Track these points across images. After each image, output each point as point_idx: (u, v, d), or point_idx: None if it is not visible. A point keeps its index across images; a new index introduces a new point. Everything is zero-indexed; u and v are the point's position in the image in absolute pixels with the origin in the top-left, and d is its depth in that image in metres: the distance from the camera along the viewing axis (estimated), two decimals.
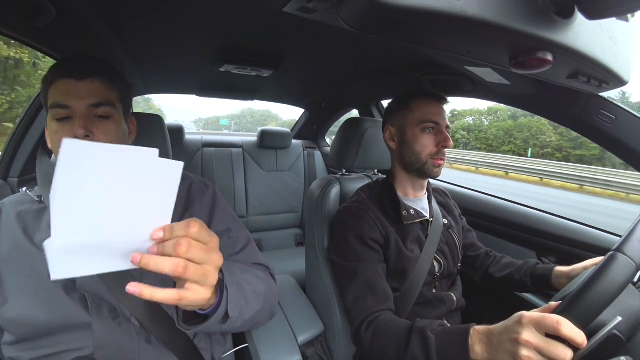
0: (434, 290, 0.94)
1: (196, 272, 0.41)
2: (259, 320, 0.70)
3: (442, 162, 0.91)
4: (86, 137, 0.62)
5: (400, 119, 0.93)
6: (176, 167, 0.39)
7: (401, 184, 0.97)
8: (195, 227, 0.41)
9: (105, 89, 0.66)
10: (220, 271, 0.54)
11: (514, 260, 1.03)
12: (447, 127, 0.91)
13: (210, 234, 0.43)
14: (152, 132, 0.99)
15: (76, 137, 0.61)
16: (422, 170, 0.91)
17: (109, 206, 0.37)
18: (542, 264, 0.96)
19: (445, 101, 0.93)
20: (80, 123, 0.62)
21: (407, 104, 0.92)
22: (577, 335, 0.47)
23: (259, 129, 2.39)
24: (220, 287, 0.52)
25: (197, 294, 0.42)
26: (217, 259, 0.44)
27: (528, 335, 0.50)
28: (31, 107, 1.35)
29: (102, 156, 0.36)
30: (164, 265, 0.39)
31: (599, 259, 0.64)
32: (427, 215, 0.96)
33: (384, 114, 1.01)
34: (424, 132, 0.89)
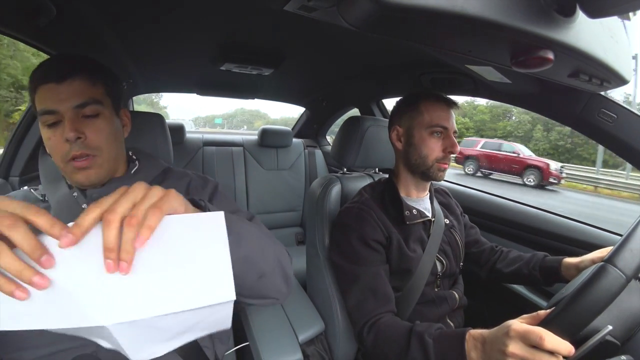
0: (436, 290, 0.94)
1: (143, 206, 0.38)
2: (267, 272, 0.60)
3: (447, 166, 0.91)
4: (78, 138, 0.61)
5: (409, 120, 0.92)
6: (218, 219, 0.39)
7: (404, 184, 0.97)
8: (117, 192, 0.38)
9: (88, 87, 0.64)
10: (202, 200, 0.51)
11: (521, 254, 1.02)
12: (455, 132, 0.90)
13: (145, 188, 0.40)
14: (153, 132, 0.99)
15: (68, 140, 0.61)
16: (426, 173, 0.91)
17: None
18: (549, 255, 0.95)
19: (455, 106, 0.91)
20: (69, 126, 0.61)
21: (416, 106, 0.91)
22: (562, 348, 0.48)
23: (262, 127, 2.39)
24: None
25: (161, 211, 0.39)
26: (176, 196, 0.41)
27: (514, 347, 0.52)
28: (30, 108, 1.35)
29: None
30: (128, 234, 0.36)
31: (607, 250, 0.64)
32: (429, 215, 0.96)
33: (391, 112, 1.00)
34: (432, 136, 0.89)
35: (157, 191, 0.40)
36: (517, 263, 0.99)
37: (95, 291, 0.35)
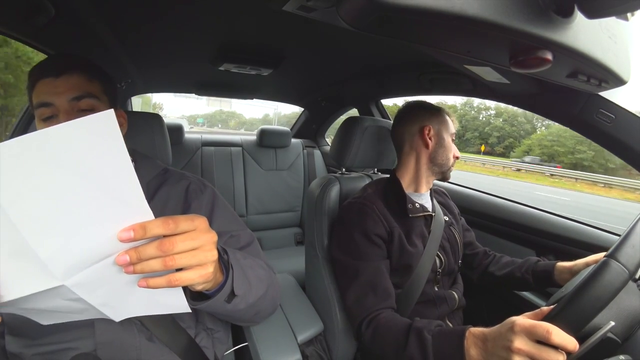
0: (436, 288, 0.94)
1: (186, 258, 0.41)
2: (263, 309, 0.71)
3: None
4: None
5: (438, 123, 0.97)
6: (108, 118, 0.33)
7: (414, 180, 0.99)
8: (170, 224, 0.40)
9: (85, 82, 0.65)
10: (226, 252, 0.55)
11: (513, 259, 1.03)
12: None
13: (191, 220, 0.43)
14: (151, 132, 0.99)
15: None
16: (446, 174, 0.99)
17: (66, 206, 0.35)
18: (542, 261, 0.96)
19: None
20: (64, 119, 0.62)
21: (441, 113, 0.99)
22: (568, 342, 0.48)
23: (260, 128, 2.39)
24: (225, 267, 0.54)
25: (195, 274, 0.43)
26: (208, 238, 0.44)
27: (520, 343, 0.51)
28: (29, 108, 1.35)
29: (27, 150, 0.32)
30: (154, 266, 0.39)
31: (601, 255, 0.64)
32: (430, 210, 0.98)
33: (412, 111, 1.01)
34: (452, 142, 0.99)
35: (211, 254, 0.45)
36: (509, 267, 1.00)
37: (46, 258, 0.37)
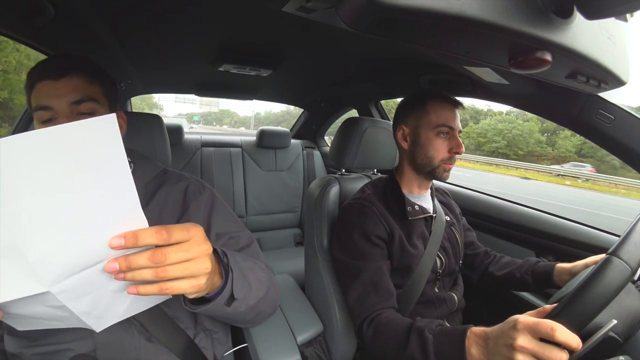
0: (436, 289, 0.94)
1: (178, 270, 0.40)
2: (263, 310, 0.70)
3: (452, 166, 0.91)
4: None
5: (415, 120, 0.92)
6: (110, 122, 0.33)
7: (407, 182, 0.97)
8: (164, 234, 0.39)
9: (85, 85, 0.64)
10: (225, 255, 0.55)
11: (513, 259, 1.03)
12: (460, 131, 0.91)
13: (186, 230, 0.42)
14: (151, 132, 0.99)
15: None
16: (432, 173, 0.91)
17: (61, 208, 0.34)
18: (542, 262, 0.96)
19: (460, 106, 0.91)
20: (63, 122, 0.61)
21: (423, 106, 0.91)
22: (572, 340, 0.47)
23: (260, 128, 2.40)
24: (225, 270, 0.53)
25: (187, 284, 0.42)
26: (203, 250, 0.43)
27: (523, 340, 0.50)
28: (27, 110, 1.35)
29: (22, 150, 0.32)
30: (145, 275, 0.39)
31: (600, 257, 0.64)
32: (431, 211, 0.97)
33: (396, 111, 0.99)
34: (438, 137, 0.89)
35: (205, 267, 0.44)
36: (509, 267, 1.00)
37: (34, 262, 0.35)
